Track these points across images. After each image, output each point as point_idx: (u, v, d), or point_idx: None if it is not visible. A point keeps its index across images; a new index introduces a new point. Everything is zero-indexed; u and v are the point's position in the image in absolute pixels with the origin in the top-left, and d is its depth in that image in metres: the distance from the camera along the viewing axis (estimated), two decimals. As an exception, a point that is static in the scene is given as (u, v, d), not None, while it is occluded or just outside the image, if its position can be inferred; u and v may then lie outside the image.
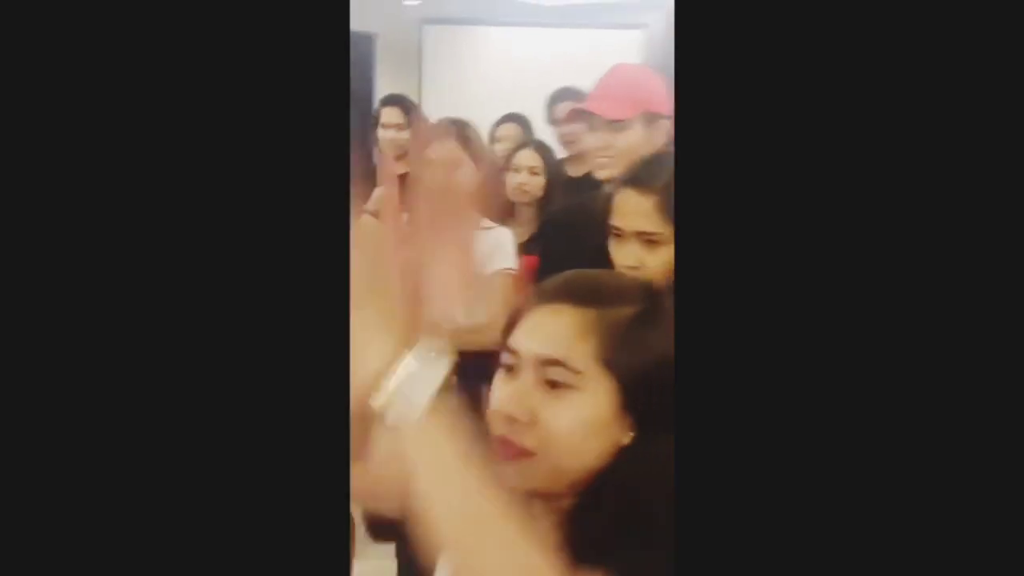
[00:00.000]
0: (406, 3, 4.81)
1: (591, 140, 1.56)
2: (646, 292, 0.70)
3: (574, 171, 2.49)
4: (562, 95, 2.61)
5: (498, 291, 1.79)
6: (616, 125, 1.50)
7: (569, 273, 0.73)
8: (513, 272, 1.80)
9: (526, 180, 2.16)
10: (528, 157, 2.19)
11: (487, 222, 1.83)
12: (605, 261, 1.22)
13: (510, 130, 2.56)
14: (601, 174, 1.54)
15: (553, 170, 2.21)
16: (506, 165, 2.21)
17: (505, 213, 2.13)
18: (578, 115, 1.59)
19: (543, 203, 2.17)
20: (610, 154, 1.51)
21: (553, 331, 0.66)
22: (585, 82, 2.86)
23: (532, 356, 0.65)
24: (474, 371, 1.98)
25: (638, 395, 0.64)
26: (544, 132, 2.71)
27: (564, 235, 1.58)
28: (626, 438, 0.65)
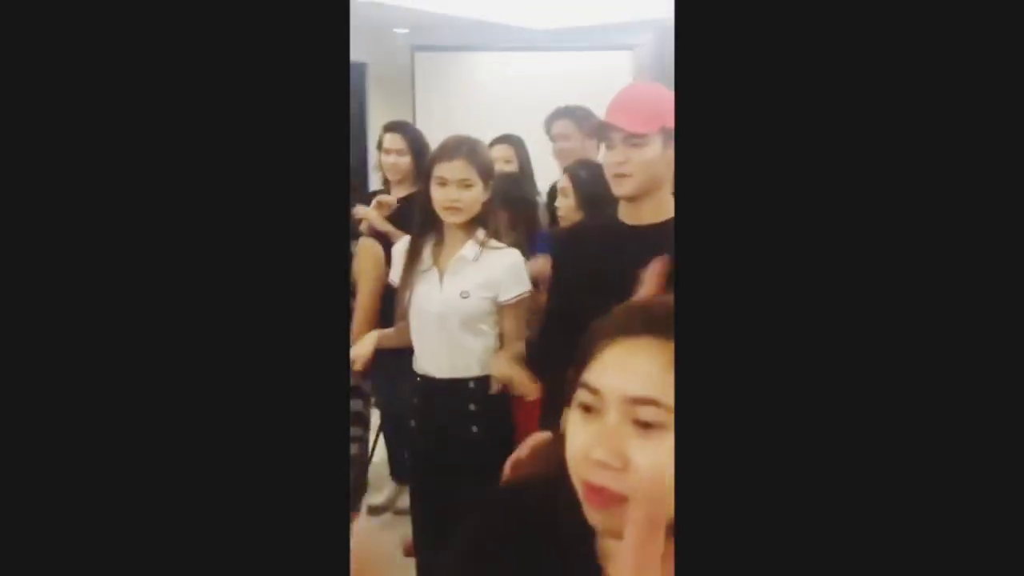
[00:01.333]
0: (397, 31, 4.85)
1: (608, 156, 1.52)
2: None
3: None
4: (563, 112, 2.62)
5: (516, 316, 1.78)
6: (636, 140, 1.47)
7: (642, 302, 0.69)
8: (530, 294, 1.78)
9: (559, 204, 2.16)
10: (502, 151, 2.22)
11: (495, 242, 1.78)
12: (619, 274, 1.23)
13: (504, 151, 2.57)
14: (618, 191, 1.51)
15: (585, 190, 2.16)
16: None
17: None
18: (599, 129, 1.55)
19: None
20: (628, 170, 1.48)
21: (639, 367, 0.61)
22: (580, 102, 2.88)
23: (618, 395, 0.61)
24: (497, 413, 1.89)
25: None
26: (536, 151, 2.73)
27: (583, 249, 1.57)
28: None
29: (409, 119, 4.50)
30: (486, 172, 1.76)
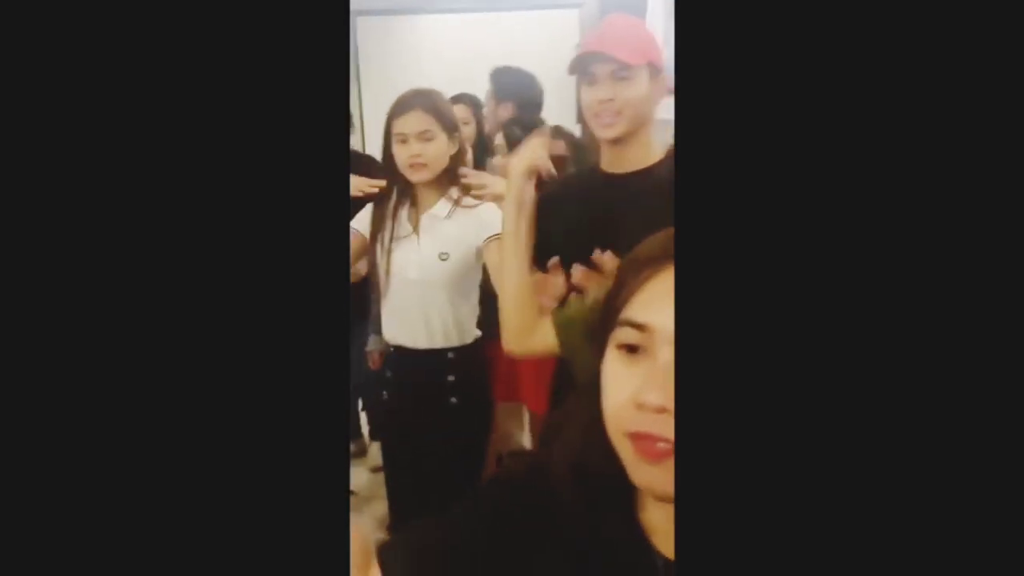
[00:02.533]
0: (337, -5, 4.74)
1: (591, 93, 1.37)
2: None
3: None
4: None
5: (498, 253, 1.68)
6: (625, 73, 1.33)
7: (666, 233, 0.60)
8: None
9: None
10: (460, 111, 2.17)
11: (469, 200, 1.71)
12: (603, 227, 1.23)
13: (461, 112, 2.54)
14: (605, 134, 1.38)
15: (576, 152, 2.15)
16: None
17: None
18: (581, 62, 1.37)
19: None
20: (616, 108, 1.35)
21: None
22: (527, 62, 2.83)
23: (669, 331, 0.54)
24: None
25: None
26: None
27: (564, 204, 1.46)
28: None
29: (353, 84, 4.41)
30: (449, 123, 1.66)
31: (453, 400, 1.72)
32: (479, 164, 2.46)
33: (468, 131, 2.47)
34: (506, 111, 2.64)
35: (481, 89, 2.83)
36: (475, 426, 1.73)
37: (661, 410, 0.52)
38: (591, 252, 1.25)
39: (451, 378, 1.72)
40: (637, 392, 0.54)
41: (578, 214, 1.42)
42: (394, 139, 1.65)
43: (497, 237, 1.63)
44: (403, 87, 1.74)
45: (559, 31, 4.63)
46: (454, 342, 1.72)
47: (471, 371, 1.74)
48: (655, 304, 0.55)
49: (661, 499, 0.56)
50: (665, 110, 1.25)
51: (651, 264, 0.57)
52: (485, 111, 2.62)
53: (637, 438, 0.54)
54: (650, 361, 0.54)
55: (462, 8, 4.72)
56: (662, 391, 0.52)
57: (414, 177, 1.66)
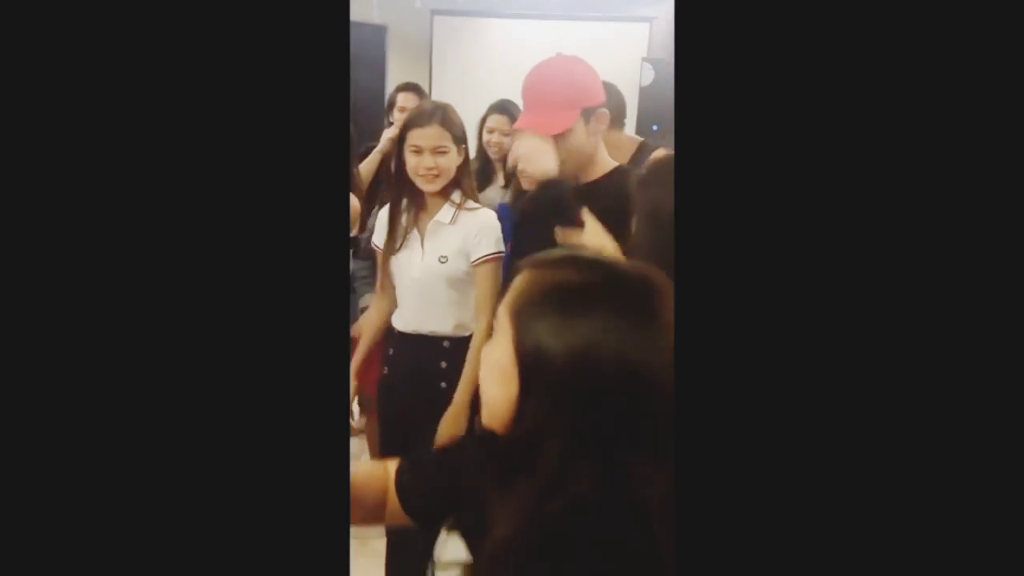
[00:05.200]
0: (417, -5, 4.93)
1: (523, 148, 1.46)
2: None
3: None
4: (498, 108, 2.63)
5: (487, 277, 1.74)
6: (561, 136, 1.43)
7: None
8: (501, 255, 1.76)
9: (499, 140, 2.19)
10: (498, 121, 2.23)
11: (471, 203, 1.77)
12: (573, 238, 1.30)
13: (498, 121, 2.61)
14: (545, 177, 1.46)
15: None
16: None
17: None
18: (521, 135, 1.48)
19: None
20: (558, 159, 1.44)
21: None
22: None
23: None
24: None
25: None
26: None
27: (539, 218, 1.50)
28: None
29: (425, 81, 4.58)
30: (459, 136, 1.75)
31: (443, 385, 1.78)
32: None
33: (502, 141, 2.51)
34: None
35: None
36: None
37: None
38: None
39: (443, 364, 1.79)
40: None
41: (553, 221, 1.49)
42: (408, 148, 1.72)
43: (486, 259, 1.74)
44: (472, 86, 1.79)
45: (629, 43, 4.73)
46: (449, 333, 1.80)
47: (463, 361, 1.79)
48: None
49: None
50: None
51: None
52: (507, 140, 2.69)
53: None
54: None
55: (535, 15, 4.85)
56: None
57: (426, 187, 1.73)
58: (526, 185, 1.48)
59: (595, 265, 0.70)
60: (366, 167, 2.54)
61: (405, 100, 2.68)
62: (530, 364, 0.65)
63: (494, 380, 0.69)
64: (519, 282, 0.70)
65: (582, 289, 0.66)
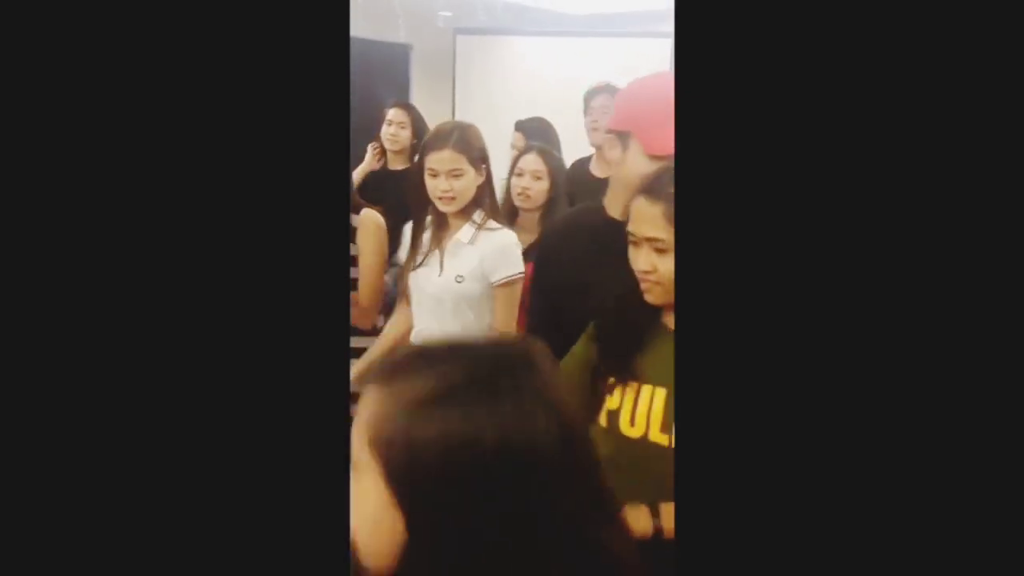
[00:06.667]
0: (442, 14, 4.99)
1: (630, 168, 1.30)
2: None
3: (599, 171, 2.55)
4: (602, 89, 2.69)
5: (506, 300, 1.73)
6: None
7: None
8: (521, 276, 1.76)
9: (529, 185, 2.15)
10: (532, 161, 2.17)
11: (492, 223, 1.77)
12: (601, 269, 1.20)
13: (520, 140, 2.64)
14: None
15: (558, 176, 2.19)
16: (511, 170, 2.20)
17: (510, 220, 2.06)
18: (621, 139, 1.33)
19: (546, 209, 2.12)
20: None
21: None
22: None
23: None
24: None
25: None
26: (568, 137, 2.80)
27: (564, 243, 1.44)
28: None
29: (448, 100, 4.63)
30: (478, 157, 1.74)
31: None
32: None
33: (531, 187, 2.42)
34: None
35: (568, 111, 2.96)
36: None
37: None
38: (588, 288, 1.27)
39: None
40: None
41: (581, 249, 1.41)
42: (427, 171, 1.73)
43: (506, 281, 1.72)
44: (495, 104, 1.80)
45: (650, 59, 4.75)
46: None
47: None
48: None
49: None
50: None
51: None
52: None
53: None
54: None
55: (557, 32, 4.89)
56: None
57: (443, 209, 1.75)
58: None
59: (454, 354, 0.59)
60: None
61: (394, 115, 2.82)
62: (411, 491, 0.55)
63: (371, 533, 0.56)
64: (368, 403, 0.58)
65: (446, 388, 0.55)
